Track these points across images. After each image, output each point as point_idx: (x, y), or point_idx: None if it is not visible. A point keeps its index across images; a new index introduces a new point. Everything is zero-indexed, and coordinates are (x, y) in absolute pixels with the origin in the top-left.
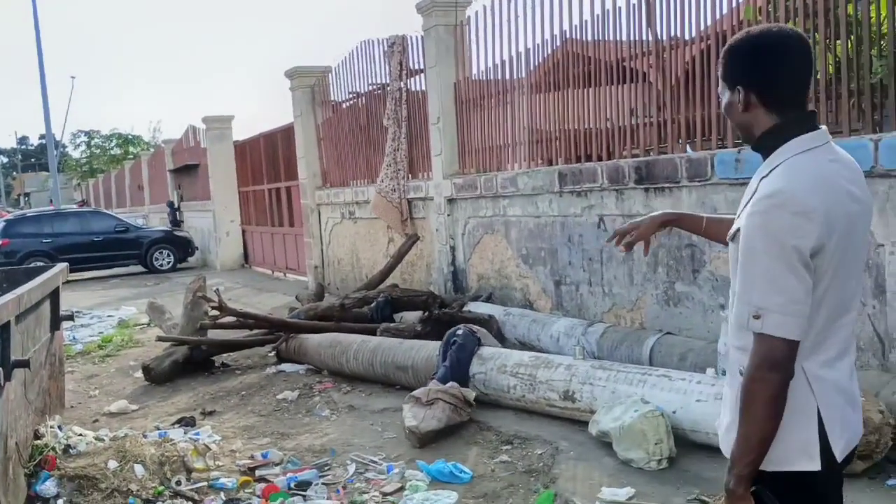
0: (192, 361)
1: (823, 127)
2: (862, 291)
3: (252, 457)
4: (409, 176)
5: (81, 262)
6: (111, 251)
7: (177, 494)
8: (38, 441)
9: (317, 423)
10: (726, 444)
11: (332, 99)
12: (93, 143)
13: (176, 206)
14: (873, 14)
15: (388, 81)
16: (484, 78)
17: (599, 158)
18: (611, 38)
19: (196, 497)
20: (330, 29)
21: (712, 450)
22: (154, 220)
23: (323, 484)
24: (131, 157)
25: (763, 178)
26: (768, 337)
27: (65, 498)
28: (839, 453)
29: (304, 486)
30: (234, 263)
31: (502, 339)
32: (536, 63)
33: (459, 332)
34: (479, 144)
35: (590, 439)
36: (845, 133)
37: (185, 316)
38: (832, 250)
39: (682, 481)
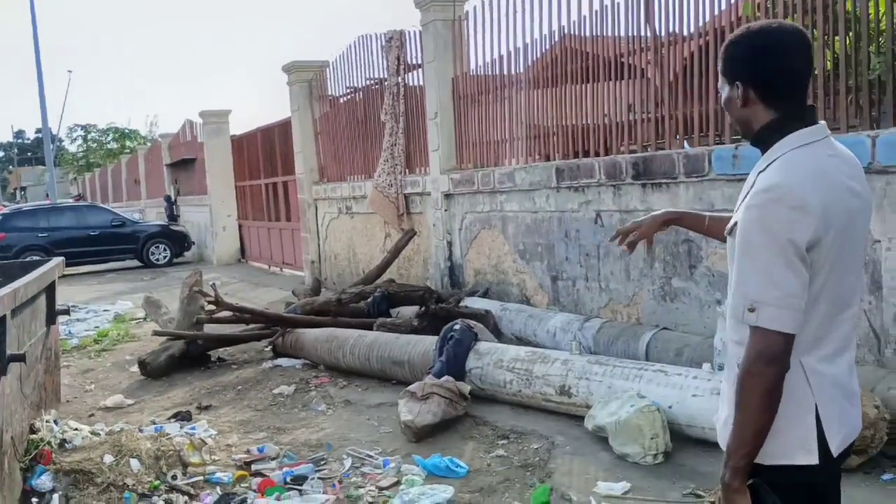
0: (188, 356)
1: (822, 122)
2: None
3: (248, 451)
4: (407, 171)
5: (77, 256)
6: (107, 245)
7: (173, 489)
8: (34, 435)
9: (313, 417)
10: (723, 438)
11: (330, 93)
12: (89, 137)
13: (173, 200)
14: (872, 10)
15: (385, 76)
16: (482, 73)
17: (597, 154)
18: (609, 33)
19: (192, 491)
20: (329, 28)
21: (708, 445)
22: (150, 215)
23: (319, 478)
24: (128, 151)
25: (761, 172)
26: (764, 330)
27: (60, 492)
28: (835, 448)
29: (300, 480)
30: (231, 258)
31: (499, 335)
32: (534, 58)
33: (456, 327)
34: (477, 139)
35: (586, 434)
36: (843, 129)
37: (181, 310)
38: (829, 245)
39: (678, 476)
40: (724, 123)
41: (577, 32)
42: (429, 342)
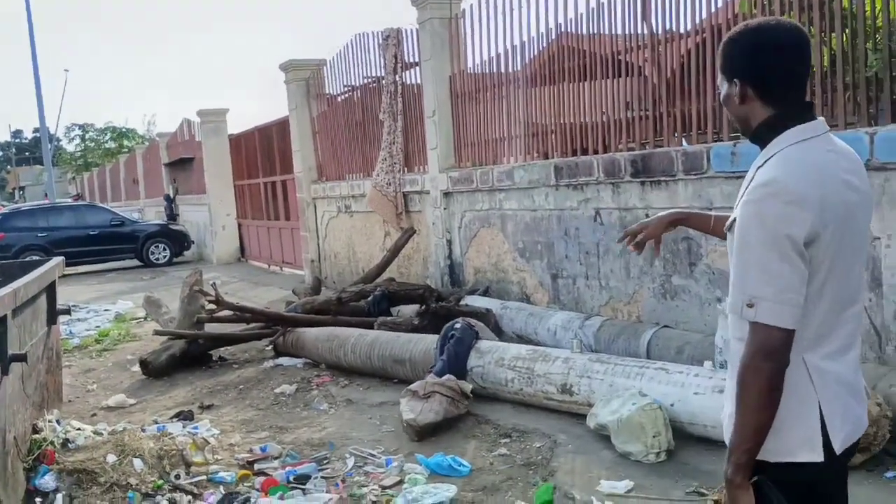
0: (189, 355)
1: (821, 118)
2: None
3: (251, 450)
4: (405, 169)
5: (77, 256)
6: (107, 245)
7: (176, 488)
8: (37, 435)
9: (315, 416)
10: (728, 434)
11: (328, 92)
12: (87, 136)
13: (172, 199)
14: (868, 7)
15: (383, 74)
16: (479, 71)
17: (595, 152)
18: (606, 31)
19: (195, 491)
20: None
21: (710, 442)
22: (149, 214)
23: (322, 477)
24: (126, 150)
25: (759, 168)
26: (763, 326)
27: (64, 492)
28: (839, 446)
29: (303, 479)
30: (231, 257)
31: (499, 333)
32: (531, 56)
33: (457, 325)
34: (475, 138)
35: (588, 432)
36: (841, 126)
37: (181, 310)
38: (828, 240)
39: (681, 474)
40: (722, 120)
41: (574, 30)
42: (430, 341)
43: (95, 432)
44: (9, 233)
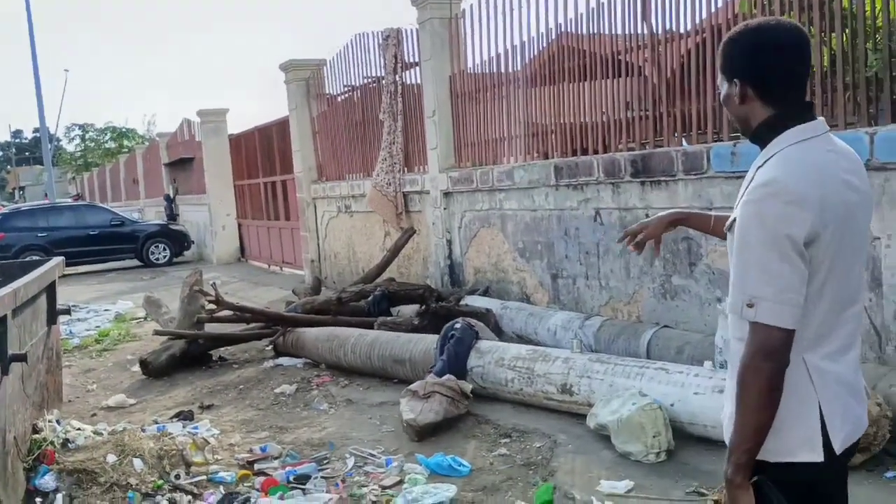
0: (189, 355)
1: (821, 118)
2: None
3: (251, 450)
4: (405, 169)
5: (77, 256)
6: (107, 245)
7: (176, 488)
8: (37, 435)
9: (315, 416)
10: (728, 434)
11: (328, 92)
12: (87, 136)
13: (172, 199)
14: (868, 7)
15: (383, 74)
16: (479, 71)
17: (595, 152)
18: (606, 31)
19: (195, 491)
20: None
21: (710, 442)
22: (149, 214)
23: (322, 477)
24: (126, 150)
25: (759, 167)
26: (763, 326)
27: (64, 492)
28: (839, 446)
29: (303, 479)
30: (231, 257)
31: (499, 333)
32: (531, 56)
33: (457, 325)
34: (475, 138)
35: (588, 432)
36: (841, 127)
37: (181, 310)
38: (828, 240)
39: (681, 474)
40: (722, 120)
41: (574, 30)
42: (430, 341)
43: (95, 432)
44: (9, 233)
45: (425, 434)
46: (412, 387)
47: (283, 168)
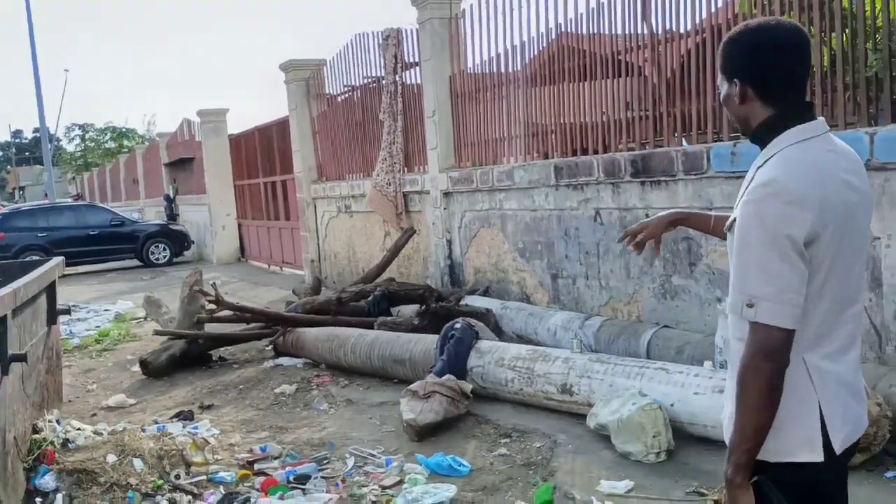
0: (189, 355)
1: (821, 118)
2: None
3: (251, 450)
4: (405, 169)
5: (77, 256)
6: (107, 245)
7: (176, 488)
8: (37, 435)
9: (315, 416)
10: (728, 434)
11: (328, 92)
12: (87, 136)
13: (172, 199)
14: (868, 7)
15: (383, 74)
16: (479, 71)
17: (595, 152)
18: (606, 31)
19: (195, 491)
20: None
21: (710, 442)
22: (149, 214)
23: (322, 477)
24: (126, 150)
25: (759, 167)
26: (762, 326)
27: (64, 492)
28: (839, 446)
29: (303, 479)
30: (231, 257)
31: (499, 333)
32: (531, 56)
33: (457, 325)
34: (475, 138)
35: (588, 432)
36: (841, 127)
37: (181, 310)
38: (828, 239)
39: (681, 474)
40: (722, 120)
41: (574, 30)
42: (430, 341)
43: (95, 432)
44: (9, 233)
45: (425, 434)
46: (412, 387)
47: (283, 168)
